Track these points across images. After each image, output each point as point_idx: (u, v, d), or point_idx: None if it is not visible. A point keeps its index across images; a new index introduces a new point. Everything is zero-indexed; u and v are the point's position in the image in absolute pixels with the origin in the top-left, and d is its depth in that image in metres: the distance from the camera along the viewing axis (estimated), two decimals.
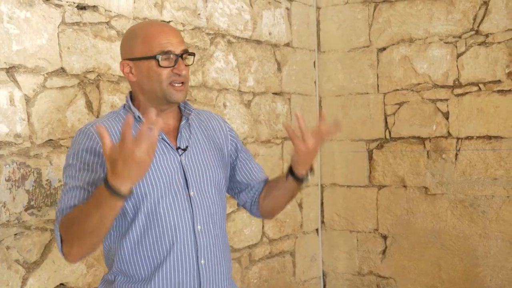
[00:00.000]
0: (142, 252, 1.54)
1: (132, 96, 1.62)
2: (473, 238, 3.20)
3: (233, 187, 1.83)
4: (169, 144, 1.58)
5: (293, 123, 3.62)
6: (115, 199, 1.30)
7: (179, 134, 1.61)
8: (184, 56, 1.55)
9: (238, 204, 2.40)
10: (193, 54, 1.59)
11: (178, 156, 1.59)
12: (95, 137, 1.49)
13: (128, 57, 1.57)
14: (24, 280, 2.20)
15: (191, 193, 1.59)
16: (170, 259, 1.55)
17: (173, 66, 1.53)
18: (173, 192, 1.56)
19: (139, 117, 1.55)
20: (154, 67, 1.53)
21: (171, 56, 1.53)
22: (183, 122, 1.64)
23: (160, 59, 1.51)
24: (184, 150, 1.61)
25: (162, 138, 1.57)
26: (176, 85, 1.54)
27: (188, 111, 1.65)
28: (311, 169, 1.69)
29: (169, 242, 1.52)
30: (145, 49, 1.54)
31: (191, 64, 1.59)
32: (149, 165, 1.28)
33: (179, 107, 1.66)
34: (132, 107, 1.57)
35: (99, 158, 1.48)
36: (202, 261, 1.59)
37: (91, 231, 1.38)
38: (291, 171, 1.66)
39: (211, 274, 1.62)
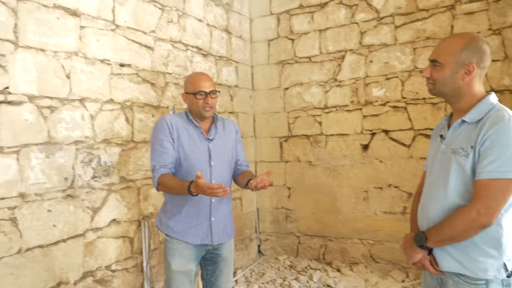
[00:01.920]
0: None
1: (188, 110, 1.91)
2: (335, 188, 3.99)
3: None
4: (204, 136, 1.90)
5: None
6: (188, 193, 1.76)
7: (210, 131, 1.95)
8: (212, 93, 1.91)
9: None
10: (218, 92, 1.91)
11: (207, 143, 1.91)
12: (168, 126, 1.86)
13: (185, 91, 1.95)
14: (92, 217, 2.47)
15: (212, 163, 1.92)
16: (195, 196, 1.88)
17: (205, 99, 1.90)
18: (201, 162, 1.91)
19: (192, 120, 1.90)
20: (194, 98, 1.92)
21: (203, 93, 1.89)
22: (213, 125, 1.97)
23: (196, 95, 1.89)
24: (211, 140, 1.92)
25: (201, 132, 1.93)
26: (206, 108, 1.93)
27: (216, 119, 1.98)
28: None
29: None
30: (191, 88, 1.93)
31: (217, 97, 1.93)
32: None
33: (213, 117, 1.97)
34: (189, 114, 1.95)
35: (171, 137, 1.84)
36: (213, 200, 1.96)
37: (171, 191, 1.88)
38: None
39: (217, 207, 1.96)
